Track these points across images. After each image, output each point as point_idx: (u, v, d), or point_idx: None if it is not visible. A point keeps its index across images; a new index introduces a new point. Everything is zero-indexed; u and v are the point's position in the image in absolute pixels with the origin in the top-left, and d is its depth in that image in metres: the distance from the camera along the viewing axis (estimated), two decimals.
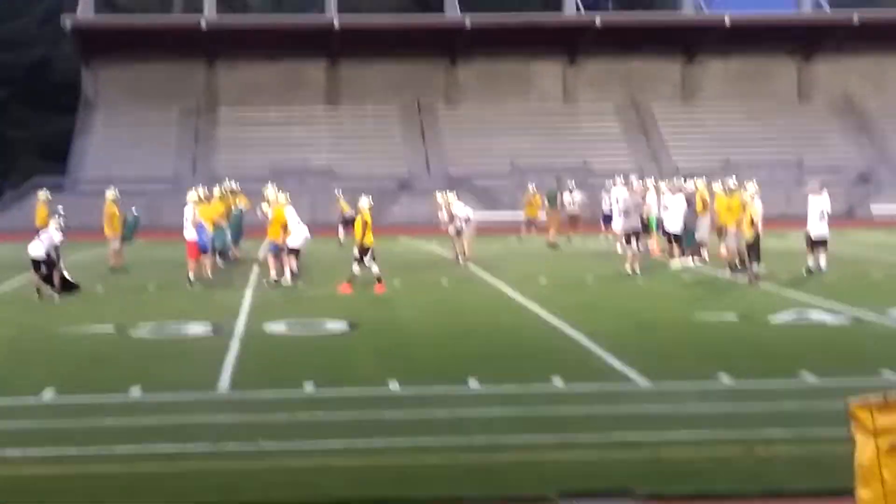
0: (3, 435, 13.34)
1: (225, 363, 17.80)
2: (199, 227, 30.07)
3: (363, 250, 27.47)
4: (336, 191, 47.61)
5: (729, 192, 30.67)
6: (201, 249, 30.14)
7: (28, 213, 30.52)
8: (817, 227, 29.84)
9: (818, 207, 29.98)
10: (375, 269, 27.60)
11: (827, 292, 25.83)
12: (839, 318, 22.03)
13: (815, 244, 29.93)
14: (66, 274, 27.77)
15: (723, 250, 30.77)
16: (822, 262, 29.91)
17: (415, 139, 75.00)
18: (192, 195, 31.30)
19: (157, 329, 21.77)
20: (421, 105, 76.88)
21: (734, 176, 34.86)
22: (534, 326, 21.90)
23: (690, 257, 33.12)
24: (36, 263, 26.99)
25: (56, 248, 27.21)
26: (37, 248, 26.91)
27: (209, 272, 30.59)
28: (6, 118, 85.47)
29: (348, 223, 38.63)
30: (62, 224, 27.80)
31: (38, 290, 26.98)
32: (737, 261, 29.84)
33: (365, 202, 28.38)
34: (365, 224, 27.58)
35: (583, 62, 78.02)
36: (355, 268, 27.52)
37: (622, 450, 12.20)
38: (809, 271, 29.71)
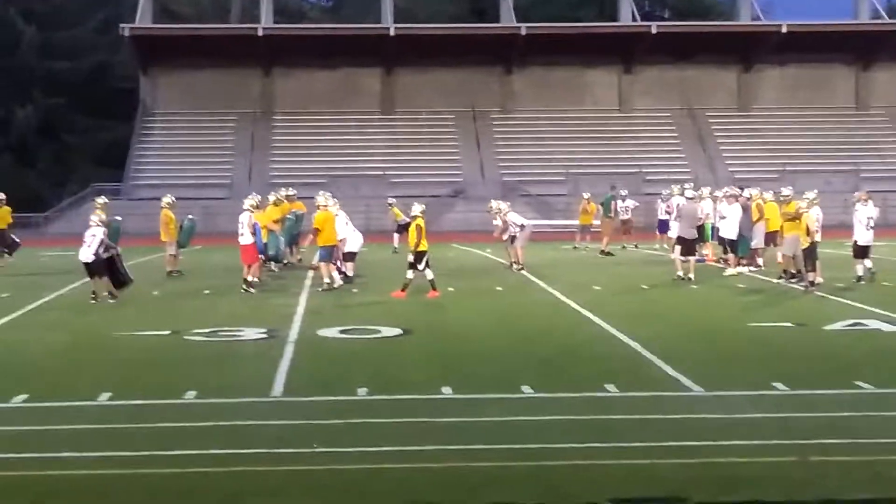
0: (59, 436, 13.46)
1: (279, 368, 17.86)
2: (256, 232, 30.30)
3: (418, 256, 27.50)
4: (388, 200, 47.72)
5: (784, 199, 30.53)
6: (259, 253, 30.41)
7: (86, 219, 30.89)
8: (864, 235, 29.80)
9: (865, 215, 29.96)
10: (430, 274, 27.62)
11: (883, 301, 25.61)
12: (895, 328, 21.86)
13: (861, 251, 29.92)
14: (121, 268, 28.01)
15: (779, 258, 30.63)
16: (869, 264, 29.95)
17: (469, 147, 75.03)
18: (248, 201, 31.48)
19: (212, 333, 21.88)
20: (476, 113, 76.91)
21: (790, 185, 34.60)
22: (588, 333, 21.86)
23: (746, 265, 32.97)
24: (88, 267, 27.31)
25: (103, 243, 27.43)
26: (84, 253, 27.21)
27: (260, 277, 30.77)
28: (64, 125, 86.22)
29: (402, 229, 38.71)
30: (98, 219, 28.03)
31: (94, 293, 27.31)
32: (792, 269, 29.71)
33: (418, 208, 28.43)
34: (419, 229, 27.61)
35: (638, 70, 77.82)
36: (409, 274, 27.55)
37: (676, 457, 12.15)
38: (859, 279, 29.60)
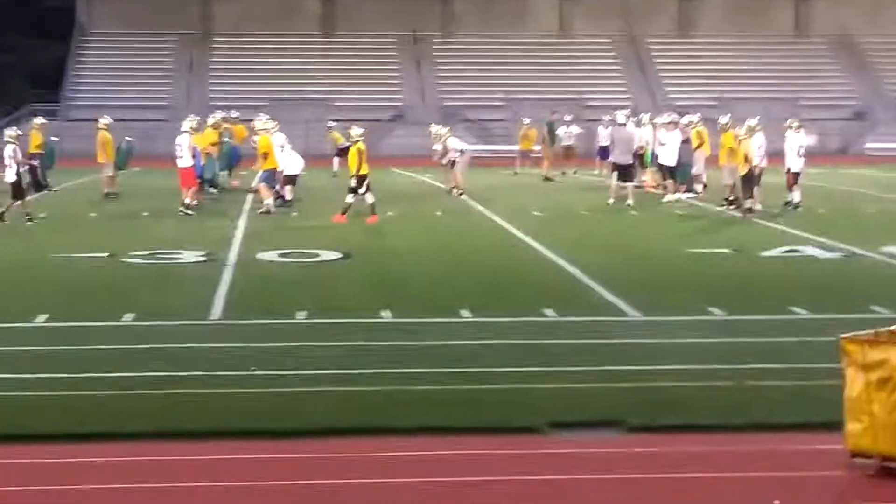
0: None
1: (218, 291, 17.83)
2: (195, 155, 30.11)
3: (359, 180, 27.37)
4: (328, 123, 47.41)
5: (721, 128, 30.73)
6: (197, 177, 30.22)
7: (22, 140, 30.65)
8: (796, 162, 30.12)
9: (796, 143, 30.26)
10: (370, 198, 27.55)
11: (820, 228, 25.85)
12: (831, 254, 22.08)
13: (793, 178, 30.26)
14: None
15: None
16: (797, 196, 30.36)
17: (410, 71, 74.64)
18: (187, 123, 31.20)
19: (150, 256, 21.76)
20: (416, 37, 76.45)
21: (728, 113, 34.69)
22: (527, 258, 21.94)
23: (684, 192, 33.12)
24: (14, 187, 27.23)
25: (19, 163, 27.44)
26: (9, 174, 27.14)
27: (200, 200, 30.61)
28: None
29: (342, 153, 38.52)
30: (7, 136, 27.95)
31: (28, 214, 27.27)
32: (730, 196, 30.01)
33: (357, 131, 28.29)
34: (360, 153, 27.47)
35: None
36: (349, 197, 27.46)
37: (612, 381, 12.26)
38: (795, 206, 29.94)
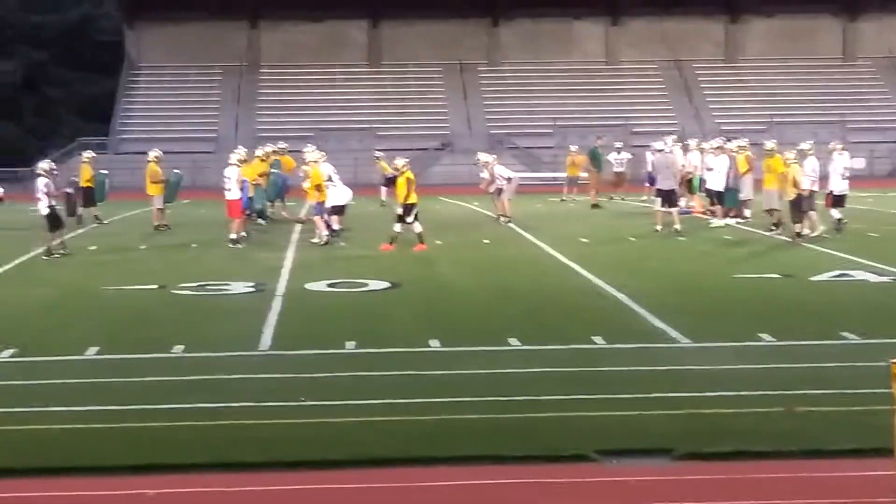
0: (47, 391, 13.49)
1: (266, 322, 17.89)
2: (243, 187, 30.25)
3: (407, 209, 27.46)
4: (375, 153, 47.57)
5: (768, 153, 30.60)
6: (244, 208, 30.35)
7: (73, 174, 30.97)
8: (840, 184, 30.13)
9: (841, 165, 30.13)
10: (418, 227, 27.62)
11: (871, 252, 25.68)
12: (883, 278, 21.92)
13: (837, 200, 30.07)
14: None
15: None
16: (838, 215, 30.28)
17: (456, 99, 74.81)
18: (235, 155, 31.37)
19: (200, 287, 21.88)
20: (462, 65, 76.64)
21: (774, 138, 34.57)
22: (575, 285, 21.90)
23: (733, 217, 33.01)
24: (48, 219, 27.40)
25: (54, 197, 27.69)
26: (41, 207, 27.31)
27: (247, 231, 30.73)
28: (48, 79, 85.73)
29: (390, 182, 38.61)
30: (41, 169, 28.10)
31: (63, 245, 27.56)
32: (777, 220, 29.91)
33: (401, 161, 28.45)
34: (409, 182, 27.60)
35: (625, 22, 77.53)
36: (397, 226, 27.54)
37: (662, 409, 12.21)
38: (838, 228, 29.80)
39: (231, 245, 28.96)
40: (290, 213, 36.26)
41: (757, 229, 31.07)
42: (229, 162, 30.86)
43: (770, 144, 30.81)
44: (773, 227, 30.12)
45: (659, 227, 30.99)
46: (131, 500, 9.86)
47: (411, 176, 27.83)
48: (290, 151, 38.88)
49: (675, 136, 38.62)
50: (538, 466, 10.42)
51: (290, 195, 37.06)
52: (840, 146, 31.29)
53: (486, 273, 23.82)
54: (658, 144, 34.94)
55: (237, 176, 30.00)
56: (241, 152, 32.04)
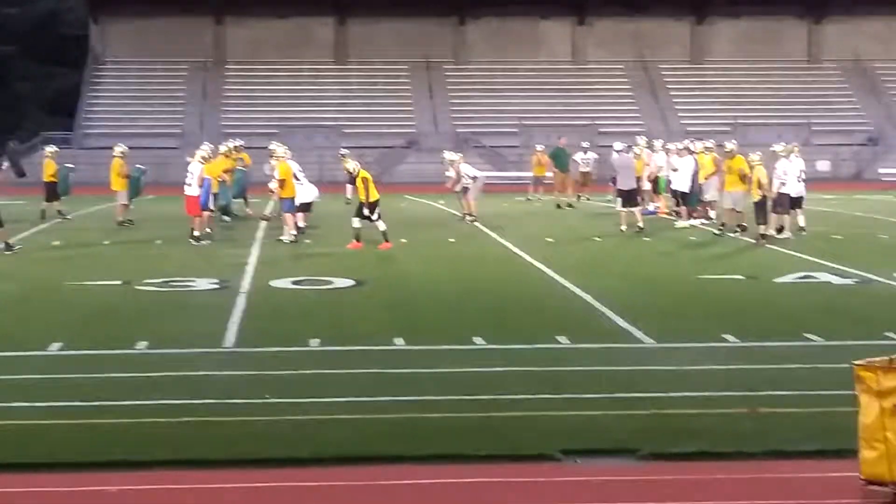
0: (10, 387, 13.40)
1: (231, 319, 17.84)
2: (204, 184, 30.06)
3: (371, 206, 27.45)
4: (341, 151, 47.48)
5: (728, 154, 30.57)
6: (202, 206, 30.07)
7: (36, 168, 30.69)
8: (796, 187, 30.03)
9: (797, 168, 30.20)
10: (382, 226, 27.60)
11: (834, 254, 25.81)
12: (846, 280, 22.04)
13: (794, 203, 30.15)
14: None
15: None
16: (801, 220, 30.42)
17: (423, 97, 74.78)
18: (200, 152, 31.21)
19: (164, 284, 21.80)
20: (429, 63, 76.64)
21: (734, 140, 34.55)
22: (540, 285, 21.93)
23: (697, 218, 33.13)
24: None
25: None
26: None
27: (212, 228, 30.56)
28: (13, 73, 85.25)
29: (355, 180, 38.50)
30: None
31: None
32: (742, 223, 30.02)
33: (351, 164, 28.57)
34: (365, 181, 27.64)
35: (592, 22, 77.68)
36: (356, 222, 27.54)
37: (626, 408, 12.23)
38: (801, 229, 30.08)
39: (194, 243, 28.80)
40: (253, 210, 36.15)
41: (722, 230, 31.14)
42: (194, 158, 30.70)
43: (730, 146, 30.80)
44: (740, 229, 30.15)
45: (623, 228, 31.08)
46: (94, 496, 9.81)
47: (366, 175, 27.94)
48: (255, 148, 38.73)
49: (645, 139, 38.66)
50: (502, 466, 10.41)
51: (252, 192, 36.93)
52: (797, 148, 31.40)
53: (452, 272, 23.83)
54: (618, 145, 35.05)
55: (199, 172, 29.85)
56: (205, 149, 31.88)
